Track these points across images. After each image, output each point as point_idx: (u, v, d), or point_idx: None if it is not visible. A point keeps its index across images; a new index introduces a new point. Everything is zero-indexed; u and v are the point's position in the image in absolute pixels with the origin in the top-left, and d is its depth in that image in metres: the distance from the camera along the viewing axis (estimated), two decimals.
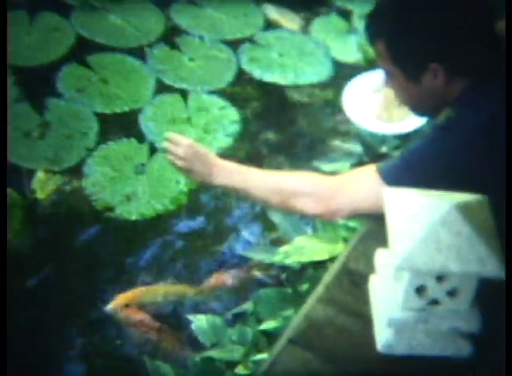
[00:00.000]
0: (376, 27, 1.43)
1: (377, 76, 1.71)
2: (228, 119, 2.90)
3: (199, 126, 2.85)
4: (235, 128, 2.87)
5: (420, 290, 1.17)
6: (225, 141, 2.81)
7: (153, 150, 2.71)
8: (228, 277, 2.23)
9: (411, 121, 1.82)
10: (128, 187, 2.60)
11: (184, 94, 2.97)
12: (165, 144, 1.67)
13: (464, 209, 1.12)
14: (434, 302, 1.19)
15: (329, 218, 1.51)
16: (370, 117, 1.97)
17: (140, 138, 2.77)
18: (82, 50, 3.07)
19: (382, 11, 1.42)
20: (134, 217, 2.51)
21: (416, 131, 1.85)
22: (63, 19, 3.19)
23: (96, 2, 3.28)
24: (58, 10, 3.21)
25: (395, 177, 1.40)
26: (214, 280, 2.24)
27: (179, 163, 1.65)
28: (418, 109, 1.51)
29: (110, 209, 2.52)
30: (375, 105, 1.97)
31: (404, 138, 2.07)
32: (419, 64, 1.37)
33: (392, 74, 1.44)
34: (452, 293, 1.17)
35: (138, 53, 3.12)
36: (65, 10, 3.21)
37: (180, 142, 1.65)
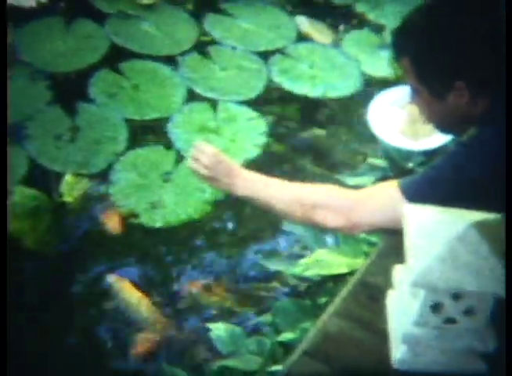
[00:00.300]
0: (402, 44, 1.44)
1: (403, 91, 1.71)
2: (256, 130, 2.92)
3: (226, 136, 2.87)
4: (262, 139, 2.88)
5: (436, 307, 1.17)
6: (251, 152, 2.82)
7: (179, 158, 2.73)
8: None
9: (436, 138, 1.82)
10: (154, 195, 2.62)
11: (213, 103, 2.99)
12: (191, 152, 1.69)
13: (482, 228, 1.11)
14: (451, 321, 1.18)
15: (348, 232, 1.52)
16: (395, 132, 1.97)
17: (168, 145, 2.79)
18: (115, 57, 3.11)
19: (409, 28, 1.42)
20: (158, 224, 2.53)
21: (441, 149, 1.85)
22: (98, 26, 3.25)
23: (131, 10, 3.32)
24: (93, 17, 3.26)
25: (416, 193, 1.40)
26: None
27: (202, 171, 1.67)
28: (442, 126, 1.52)
29: (135, 216, 2.55)
30: (400, 120, 1.97)
31: (429, 154, 2.07)
32: (444, 82, 1.37)
33: (418, 91, 1.45)
34: (468, 312, 1.17)
35: (170, 61, 3.16)
36: (100, 18, 3.27)
37: (205, 151, 1.67)
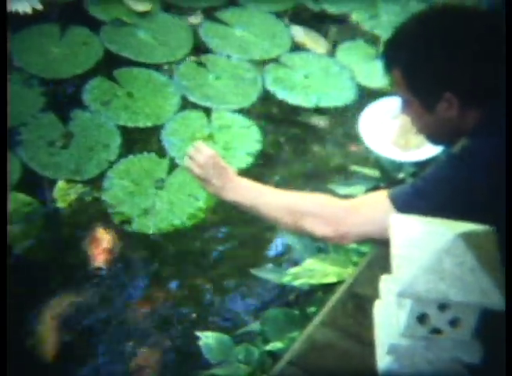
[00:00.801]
0: (393, 54, 1.44)
1: (395, 102, 1.71)
2: (249, 138, 2.92)
3: (220, 144, 2.87)
4: (256, 147, 2.88)
5: (421, 318, 1.17)
6: (245, 160, 2.82)
7: (173, 166, 2.73)
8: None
9: (427, 149, 1.82)
10: (147, 201, 2.62)
11: (207, 111, 2.99)
12: (189, 150, 1.70)
13: (469, 239, 1.11)
14: (436, 331, 1.18)
15: (337, 241, 1.51)
16: (386, 143, 1.97)
17: (161, 153, 2.79)
18: (110, 65, 3.11)
19: (400, 39, 1.43)
20: (151, 231, 2.53)
21: (432, 160, 1.85)
22: (93, 33, 3.25)
23: (126, 18, 3.33)
24: (88, 25, 3.27)
25: (406, 203, 1.40)
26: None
27: (196, 170, 1.67)
28: (433, 137, 1.52)
29: (128, 222, 2.54)
30: (392, 131, 1.97)
31: (421, 165, 2.07)
32: (433, 93, 1.37)
33: (408, 102, 1.45)
34: (453, 322, 1.17)
35: (165, 69, 3.16)
36: (95, 25, 3.27)
37: (202, 151, 1.68)
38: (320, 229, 1.48)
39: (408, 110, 1.48)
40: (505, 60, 1.33)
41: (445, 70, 1.35)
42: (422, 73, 1.39)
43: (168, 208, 2.61)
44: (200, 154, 1.68)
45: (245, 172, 2.60)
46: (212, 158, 1.67)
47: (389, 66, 1.45)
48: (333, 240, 1.52)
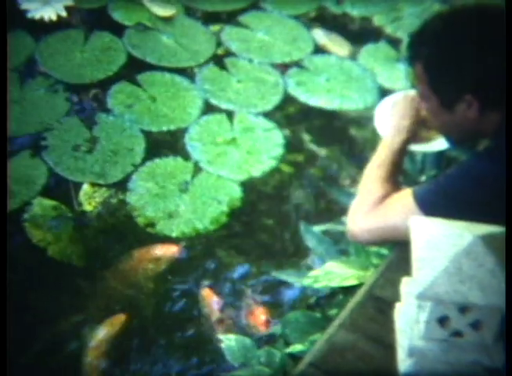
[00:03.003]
0: (417, 49, 1.43)
1: (410, 94, 1.71)
2: (272, 141, 2.93)
3: (243, 147, 2.88)
4: (279, 151, 2.89)
5: (442, 320, 1.17)
6: (268, 164, 2.83)
7: (197, 169, 2.75)
8: None
9: (439, 142, 1.81)
10: (171, 204, 2.64)
11: (230, 114, 3.01)
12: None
13: (488, 241, 1.11)
14: (457, 334, 1.17)
15: (356, 237, 1.51)
16: None
17: (185, 156, 2.81)
18: (133, 69, 3.14)
19: (425, 34, 1.42)
20: (174, 234, 2.55)
21: (441, 153, 1.84)
22: (116, 38, 3.28)
23: (149, 23, 3.36)
24: (112, 30, 3.30)
25: (430, 203, 1.39)
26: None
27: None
28: (451, 136, 1.51)
29: (152, 225, 2.56)
30: None
31: (443, 167, 2.06)
32: (454, 93, 1.37)
33: (428, 99, 1.44)
34: (475, 325, 1.16)
35: (188, 73, 3.18)
36: (118, 30, 3.31)
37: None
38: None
39: (427, 105, 1.47)
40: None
41: (468, 72, 1.34)
42: (443, 72, 1.38)
43: (192, 211, 2.62)
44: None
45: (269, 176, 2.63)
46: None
47: (412, 60, 1.44)
48: (353, 235, 1.52)
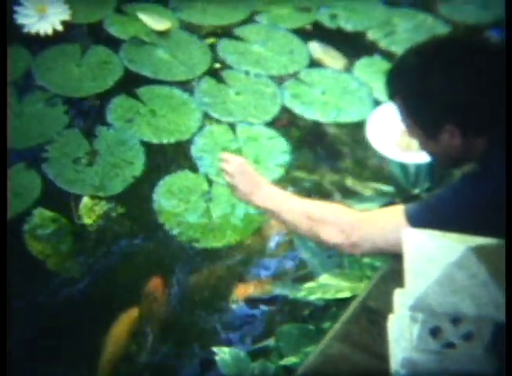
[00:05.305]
0: (394, 84, 1.46)
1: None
2: (278, 149, 2.94)
3: (250, 156, 2.87)
4: (285, 158, 2.90)
5: (435, 332, 1.17)
6: (276, 171, 2.84)
7: (209, 179, 2.76)
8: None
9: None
10: (202, 216, 2.64)
11: (232, 125, 3.02)
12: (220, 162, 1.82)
13: (481, 252, 1.12)
14: (450, 345, 1.18)
15: (349, 250, 1.53)
16: (390, 144, 1.99)
17: (192, 168, 2.82)
18: (130, 83, 3.15)
19: (400, 69, 1.45)
20: (221, 245, 2.56)
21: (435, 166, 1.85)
22: (113, 52, 3.30)
23: (145, 37, 3.38)
24: (108, 44, 3.32)
25: (420, 220, 1.41)
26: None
27: (227, 178, 1.79)
28: (440, 162, 1.54)
29: (196, 241, 2.56)
30: (396, 132, 1.99)
31: (436, 180, 2.08)
32: (434, 124, 1.39)
33: (412, 130, 1.47)
34: (467, 336, 1.17)
35: (186, 86, 3.20)
36: (115, 44, 3.32)
37: (231, 160, 1.78)
38: (333, 235, 1.52)
39: (413, 137, 1.50)
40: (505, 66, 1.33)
41: (444, 103, 1.35)
42: (421, 105, 1.40)
43: (222, 217, 2.63)
44: (229, 163, 1.77)
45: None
46: (241, 166, 1.76)
47: (391, 95, 1.47)
48: (344, 249, 1.53)
